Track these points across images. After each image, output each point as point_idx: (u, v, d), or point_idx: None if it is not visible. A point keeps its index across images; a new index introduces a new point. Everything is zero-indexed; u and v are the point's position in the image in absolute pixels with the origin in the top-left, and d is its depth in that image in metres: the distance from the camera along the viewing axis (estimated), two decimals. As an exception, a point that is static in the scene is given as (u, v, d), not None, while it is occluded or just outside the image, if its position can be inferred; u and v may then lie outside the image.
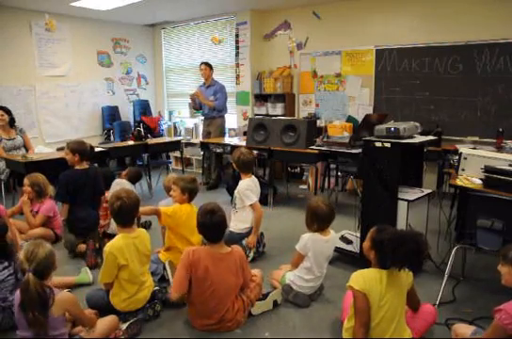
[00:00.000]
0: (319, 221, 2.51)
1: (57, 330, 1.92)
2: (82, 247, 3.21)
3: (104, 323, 2.13)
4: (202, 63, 5.51)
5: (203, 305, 2.22)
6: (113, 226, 3.25)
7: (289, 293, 2.55)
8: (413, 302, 2.10)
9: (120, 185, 3.65)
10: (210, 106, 5.47)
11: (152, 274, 2.65)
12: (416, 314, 2.14)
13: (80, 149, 3.40)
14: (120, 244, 2.25)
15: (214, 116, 5.60)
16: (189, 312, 2.33)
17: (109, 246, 2.25)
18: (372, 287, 1.88)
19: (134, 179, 4.09)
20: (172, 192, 2.93)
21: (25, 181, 3.42)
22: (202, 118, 5.94)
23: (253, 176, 3.34)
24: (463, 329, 2.01)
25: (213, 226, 2.23)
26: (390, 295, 1.89)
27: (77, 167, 3.42)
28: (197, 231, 2.33)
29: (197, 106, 5.70)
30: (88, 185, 3.40)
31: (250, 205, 3.14)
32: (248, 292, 2.36)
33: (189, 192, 2.88)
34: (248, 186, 3.18)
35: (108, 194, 3.49)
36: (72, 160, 3.42)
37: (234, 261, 2.27)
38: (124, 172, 4.18)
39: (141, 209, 3.03)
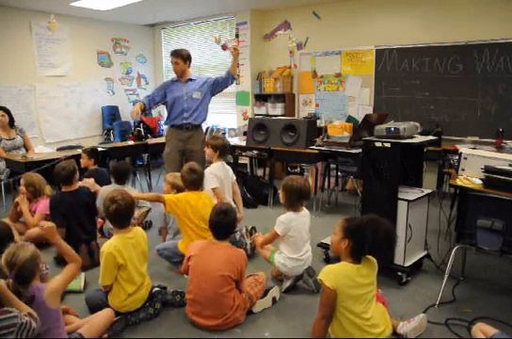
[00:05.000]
0: (303, 199, 2.64)
1: (53, 323, 1.86)
2: None
3: (101, 317, 2.14)
4: (173, 54, 3.96)
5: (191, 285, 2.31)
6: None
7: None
8: None
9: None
10: (234, 74, 4.00)
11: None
12: None
13: (59, 173, 3.06)
14: (118, 244, 2.26)
15: (196, 125, 4.07)
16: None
17: (107, 246, 2.24)
18: (343, 284, 1.89)
19: (121, 176, 3.64)
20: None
21: (21, 181, 3.44)
22: (163, 128, 4.65)
23: (224, 162, 3.45)
24: (488, 328, 1.87)
25: (224, 225, 2.34)
26: (365, 285, 1.93)
27: (64, 189, 3.13)
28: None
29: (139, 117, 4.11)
30: (79, 208, 3.09)
31: (213, 190, 3.18)
32: (247, 288, 2.38)
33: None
34: (214, 170, 3.25)
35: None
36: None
37: (230, 254, 2.30)
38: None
39: (144, 195, 3.21)
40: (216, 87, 4.11)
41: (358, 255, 1.95)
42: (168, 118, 4.18)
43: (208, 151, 3.41)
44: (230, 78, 4.07)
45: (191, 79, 4.06)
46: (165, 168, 4.32)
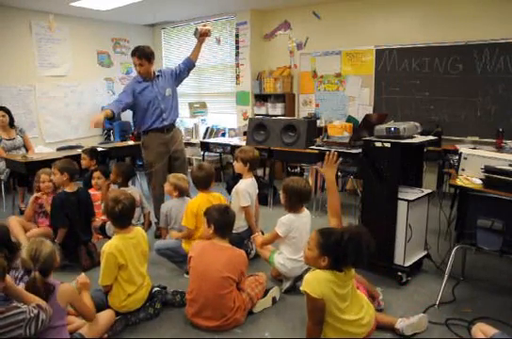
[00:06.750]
0: (303, 201, 2.64)
1: (58, 321, 1.89)
2: None
3: (102, 317, 2.14)
4: (135, 54, 3.62)
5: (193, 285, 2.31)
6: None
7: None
8: None
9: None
10: (196, 60, 3.92)
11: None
12: None
13: (70, 168, 3.14)
14: (119, 244, 2.26)
15: (174, 124, 3.83)
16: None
17: (108, 246, 2.24)
18: (328, 289, 1.85)
19: (127, 176, 3.70)
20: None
21: (43, 176, 3.37)
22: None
23: (253, 178, 3.33)
24: (488, 328, 1.83)
25: (228, 223, 2.38)
26: (347, 281, 1.92)
27: (67, 189, 3.13)
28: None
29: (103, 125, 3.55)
30: (81, 208, 3.13)
31: (243, 208, 3.12)
32: (248, 289, 2.38)
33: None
34: (246, 187, 3.16)
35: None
36: (59, 180, 3.15)
37: (230, 255, 2.31)
38: (112, 177, 3.66)
39: (182, 234, 3.03)
40: (179, 78, 3.89)
41: (339, 268, 1.89)
42: (143, 123, 3.67)
43: (237, 165, 3.23)
44: (192, 65, 3.92)
45: (158, 75, 3.73)
46: (148, 177, 3.82)
